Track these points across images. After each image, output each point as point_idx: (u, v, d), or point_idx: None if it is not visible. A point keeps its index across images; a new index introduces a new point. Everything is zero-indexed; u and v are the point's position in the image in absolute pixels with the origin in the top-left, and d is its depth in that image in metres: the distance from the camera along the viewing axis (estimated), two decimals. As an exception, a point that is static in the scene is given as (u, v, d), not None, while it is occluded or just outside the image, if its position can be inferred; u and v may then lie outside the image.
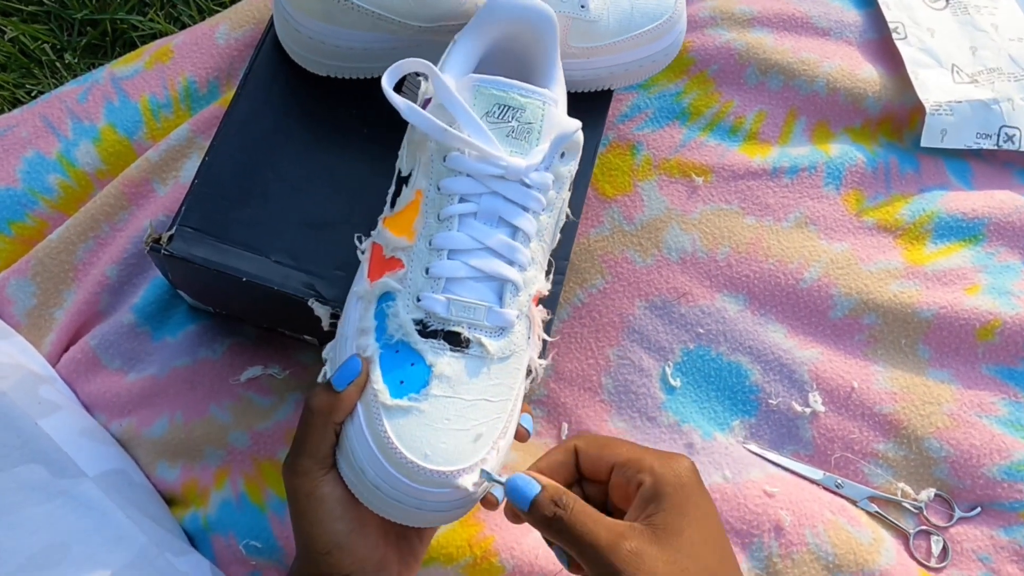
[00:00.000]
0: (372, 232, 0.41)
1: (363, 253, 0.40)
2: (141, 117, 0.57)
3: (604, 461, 0.37)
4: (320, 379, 0.38)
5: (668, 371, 0.55)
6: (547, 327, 0.43)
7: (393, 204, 0.40)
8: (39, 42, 0.66)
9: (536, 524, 0.35)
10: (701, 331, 0.56)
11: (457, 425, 0.35)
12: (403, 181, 0.40)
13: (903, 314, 0.56)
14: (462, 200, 0.37)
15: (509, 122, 0.37)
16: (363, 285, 0.39)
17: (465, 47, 0.41)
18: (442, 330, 0.37)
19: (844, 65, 0.62)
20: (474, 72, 0.41)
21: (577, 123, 0.39)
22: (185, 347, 0.51)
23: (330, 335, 0.41)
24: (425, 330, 0.37)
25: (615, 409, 0.53)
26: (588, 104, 0.52)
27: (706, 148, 0.60)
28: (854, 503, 0.52)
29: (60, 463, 0.44)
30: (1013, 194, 0.60)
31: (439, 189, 0.38)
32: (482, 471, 0.35)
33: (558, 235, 0.42)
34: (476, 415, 0.36)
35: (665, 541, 0.33)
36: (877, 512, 0.52)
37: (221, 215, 0.46)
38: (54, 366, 0.51)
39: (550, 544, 0.37)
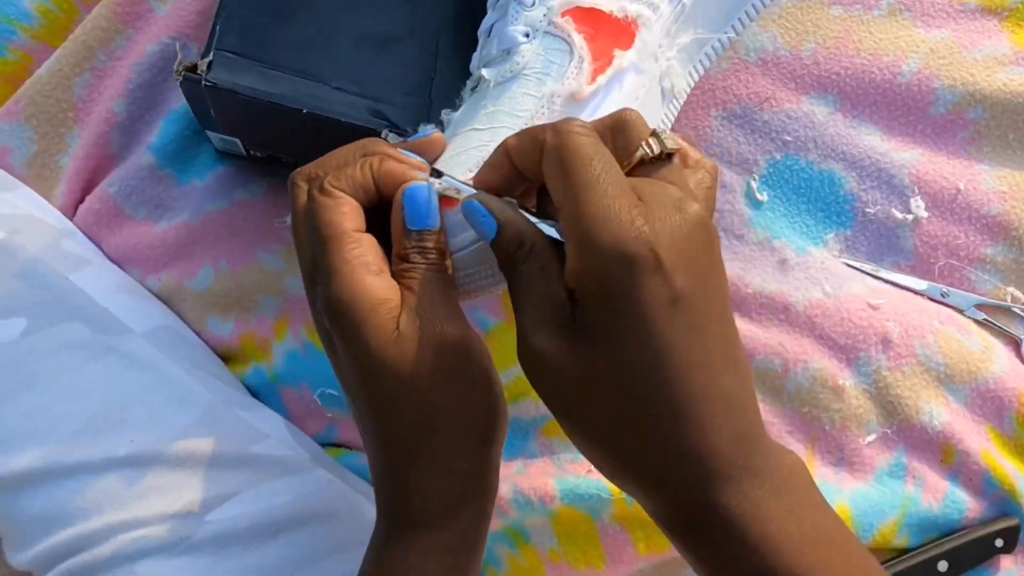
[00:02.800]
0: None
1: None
2: (122, -77, 0.47)
3: (555, 184, 0.27)
4: None
5: (754, 185, 0.50)
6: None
7: None
8: None
9: (499, 255, 0.29)
10: (788, 139, 0.50)
11: (448, 153, 0.33)
12: None
13: (1012, 104, 0.50)
14: None
15: None
16: None
17: None
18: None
19: None
20: None
21: None
22: (218, 190, 0.45)
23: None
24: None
25: (697, 231, 0.48)
26: None
27: (783, -71, 0.51)
28: (961, 312, 0.49)
29: (101, 320, 0.39)
30: None
31: None
32: (432, 169, 0.30)
33: None
34: (463, 143, 0.33)
35: (582, 345, 0.26)
36: (985, 319, 0.48)
37: (263, 35, 0.38)
38: (70, 219, 0.45)
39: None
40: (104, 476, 0.36)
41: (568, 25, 0.35)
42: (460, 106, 0.37)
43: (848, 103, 0.50)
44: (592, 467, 0.43)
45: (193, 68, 0.37)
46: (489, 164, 0.30)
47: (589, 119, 0.30)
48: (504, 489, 0.42)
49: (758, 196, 0.49)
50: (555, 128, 0.27)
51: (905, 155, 0.50)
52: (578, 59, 0.34)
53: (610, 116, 0.29)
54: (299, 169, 0.31)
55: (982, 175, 0.50)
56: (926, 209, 0.49)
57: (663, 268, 0.25)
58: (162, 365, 0.39)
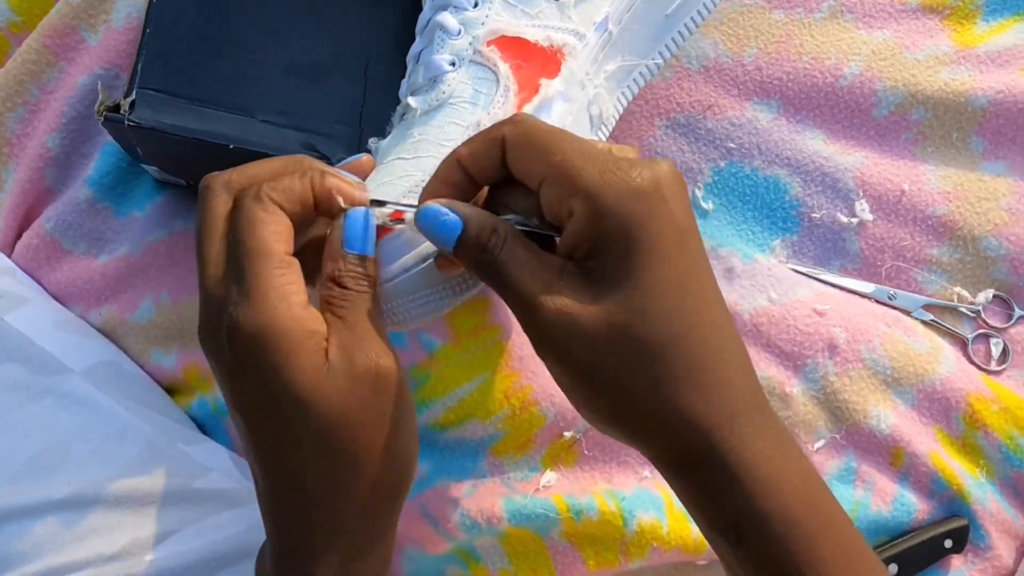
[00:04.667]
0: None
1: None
2: (51, -47, 0.47)
3: (534, 164, 0.27)
4: None
5: (699, 194, 0.50)
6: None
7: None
8: None
9: (464, 266, 0.29)
10: (732, 146, 0.50)
11: (373, 183, 0.32)
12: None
13: (955, 104, 0.50)
14: None
15: None
16: None
17: None
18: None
19: None
20: None
21: None
22: (157, 220, 0.45)
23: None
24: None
25: (645, 242, 0.48)
26: None
27: (723, -66, 0.51)
28: (908, 313, 0.49)
29: (39, 359, 0.39)
30: (1072, -45, 0.53)
31: None
32: (372, 200, 0.29)
33: None
34: (389, 172, 0.33)
35: (604, 294, 0.26)
36: (933, 320, 0.49)
37: (189, 70, 0.38)
38: (9, 257, 0.45)
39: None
40: (43, 519, 0.36)
41: (494, 54, 0.35)
42: (389, 133, 0.36)
43: (791, 108, 0.50)
44: (540, 485, 0.43)
45: (116, 108, 0.36)
46: (439, 178, 0.29)
47: None
48: (453, 513, 0.43)
49: (704, 205, 0.49)
50: (512, 120, 0.28)
51: (849, 158, 0.50)
52: (504, 88, 0.34)
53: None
54: (215, 174, 0.29)
55: (926, 176, 0.50)
56: (871, 212, 0.49)
57: (667, 202, 0.26)
58: (101, 402, 0.39)
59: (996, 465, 0.47)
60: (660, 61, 0.39)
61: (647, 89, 0.50)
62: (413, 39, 0.37)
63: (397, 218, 0.30)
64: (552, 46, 0.35)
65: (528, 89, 0.35)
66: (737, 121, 0.50)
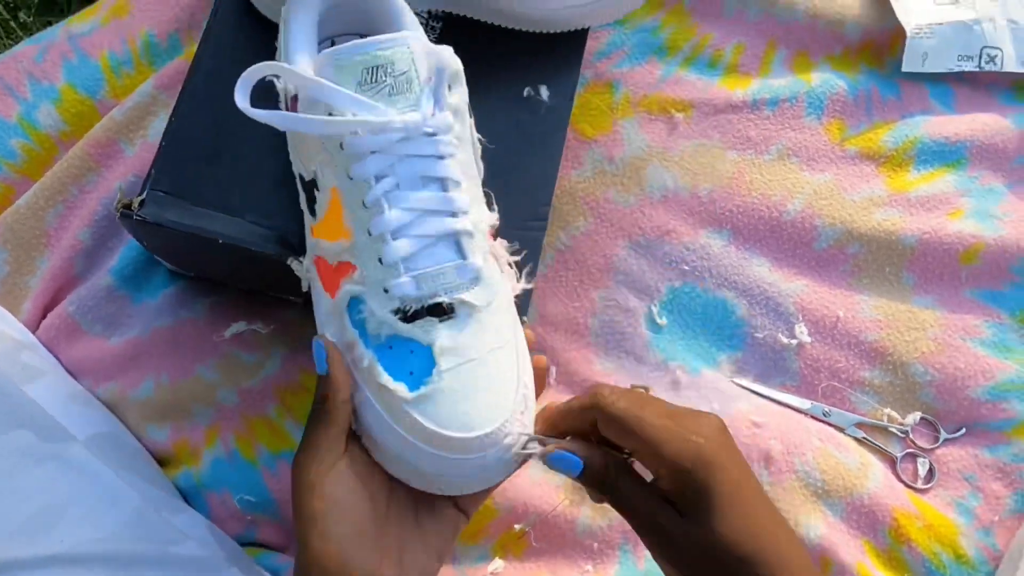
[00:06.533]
0: (306, 251, 0.40)
1: (308, 272, 0.39)
2: (102, 75, 0.55)
3: (623, 440, 0.36)
4: None
5: (654, 310, 0.55)
6: (531, 261, 0.43)
7: (313, 212, 0.38)
8: (-9, 1, 0.63)
9: (585, 485, 0.37)
10: (686, 268, 0.55)
11: (485, 384, 0.36)
12: (312, 185, 0.38)
13: (887, 242, 0.56)
14: (379, 179, 0.36)
15: (385, 81, 0.35)
16: (326, 303, 0.37)
17: (299, 23, 0.38)
18: (423, 307, 0.36)
19: (823, -9, 0.60)
20: (321, 45, 0.39)
21: (448, 49, 0.37)
22: (166, 308, 0.51)
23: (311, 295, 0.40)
24: (407, 315, 0.36)
25: (602, 351, 0.53)
26: (564, 44, 0.51)
27: (685, 83, 0.59)
28: (841, 430, 0.53)
29: (48, 428, 0.44)
30: (996, 116, 0.59)
31: (351, 179, 0.36)
32: (528, 437, 0.36)
33: (481, 164, 0.41)
34: (495, 366, 0.36)
35: (691, 527, 0.34)
36: (864, 438, 0.53)
37: (192, 177, 0.44)
38: (33, 333, 0.51)
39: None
40: (35, 574, 0.40)
41: (494, 247, 0.39)
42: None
43: (740, 237, 0.56)
44: (489, 572, 0.47)
45: (129, 205, 0.43)
46: (539, 429, 0.37)
47: None
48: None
49: (658, 320, 0.55)
50: (598, 403, 0.35)
51: (791, 285, 0.55)
52: (506, 270, 0.40)
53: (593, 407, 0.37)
54: None
55: (861, 304, 0.55)
56: (810, 335, 0.54)
57: (725, 456, 0.35)
58: (98, 470, 0.43)
59: (920, 580, 0.50)
60: None
61: (613, 211, 0.56)
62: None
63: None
64: (496, 223, 0.41)
65: (505, 260, 0.40)
66: (691, 246, 0.56)
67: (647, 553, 0.49)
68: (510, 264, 0.40)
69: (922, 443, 0.53)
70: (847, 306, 0.55)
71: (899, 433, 0.53)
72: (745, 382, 0.54)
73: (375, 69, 0.35)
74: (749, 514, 0.35)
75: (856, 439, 0.53)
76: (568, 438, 0.37)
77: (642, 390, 0.38)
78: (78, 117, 0.54)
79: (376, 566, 0.35)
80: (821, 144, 0.58)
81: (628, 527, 0.46)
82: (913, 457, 0.53)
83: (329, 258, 0.37)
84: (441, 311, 0.36)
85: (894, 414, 0.53)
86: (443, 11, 0.50)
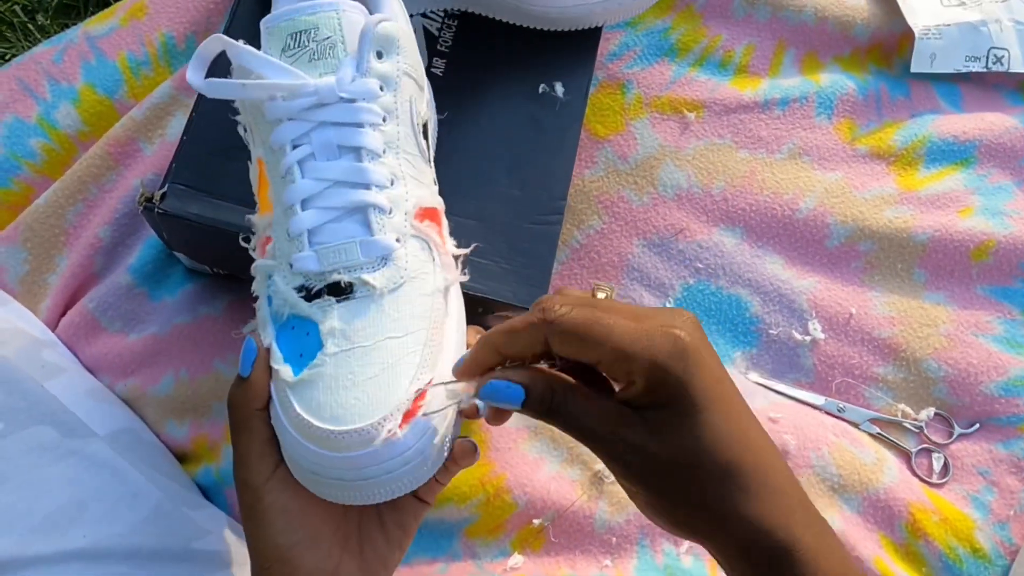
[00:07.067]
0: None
1: (254, 251, 0.37)
2: (120, 76, 0.55)
3: (584, 352, 0.31)
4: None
5: (669, 307, 0.55)
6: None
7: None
8: (9, 3, 0.64)
9: (531, 415, 0.32)
10: (700, 266, 0.56)
11: (365, 374, 0.32)
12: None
13: (898, 239, 0.56)
14: (295, 146, 0.34)
15: (307, 46, 0.34)
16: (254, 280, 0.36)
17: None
18: (324, 286, 0.33)
19: (832, -7, 0.61)
20: None
21: (379, 15, 0.35)
22: (185, 305, 0.51)
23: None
24: (310, 294, 0.34)
25: (618, 347, 0.54)
26: (579, 41, 0.51)
27: (696, 83, 0.59)
28: (856, 426, 0.53)
29: (69, 424, 0.44)
30: (1003, 115, 0.60)
31: (272, 148, 0.35)
32: (439, 384, 0.31)
33: (429, 141, 0.38)
34: (382, 357, 0.32)
35: (668, 435, 0.30)
36: (879, 433, 0.53)
37: (212, 171, 0.45)
38: (53, 331, 0.51)
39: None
40: (58, 569, 0.40)
41: (423, 226, 0.36)
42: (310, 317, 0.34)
43: (753, 235, 0.57)
44: (508, 567, 0.47)
45: (151, 198, 0.43)
46: (474, 360, 0.32)
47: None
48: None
49: (672, 317, 0.55)
50: (550, 313, 0.30)
51: (804, 282, 0.56)
52: (436, 253, 0.36)
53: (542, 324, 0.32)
54: None
55: (873, 301, 0.55)
56: (823, 331, 0.55)
57: (703, 354, 0.30)
58: (119, 466, 0.43)
59: (937, 573, 0.50)
60: None
61: (627, 210, 0.56)
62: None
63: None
64: (439, 205, 0.39)
65: (442, 246, 0.37)
66: (705, 244, 0.56)
67: (666, 547, 0.49)
68: (451, 253, 0.37)
69: (936, 438, 0.53)
70: (860, 303, 0.55)
71: (913, 428, 0.53)
72: (760, 378, 0.54)
73: (298, 34, 0.34)
74: (732, 414, 0.30)
75: (871, 434, 0.53)
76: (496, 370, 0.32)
77: (603, 292, 0.33)
78: (97, 117, 0.55)
79: (335, 565, 0.33)
80: (832, 143, 0.59)
81: (647, 521, 0.47)
82: (928, 452, 0.53)
83: (260, 234, 0.36)
84: (339, 290, 0.33)
85: (908, 410, 0.54)
86: (459, 10, 0.50)
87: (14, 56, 0.62)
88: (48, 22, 0.64)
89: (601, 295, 0.33)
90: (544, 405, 0.31)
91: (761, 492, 0.30)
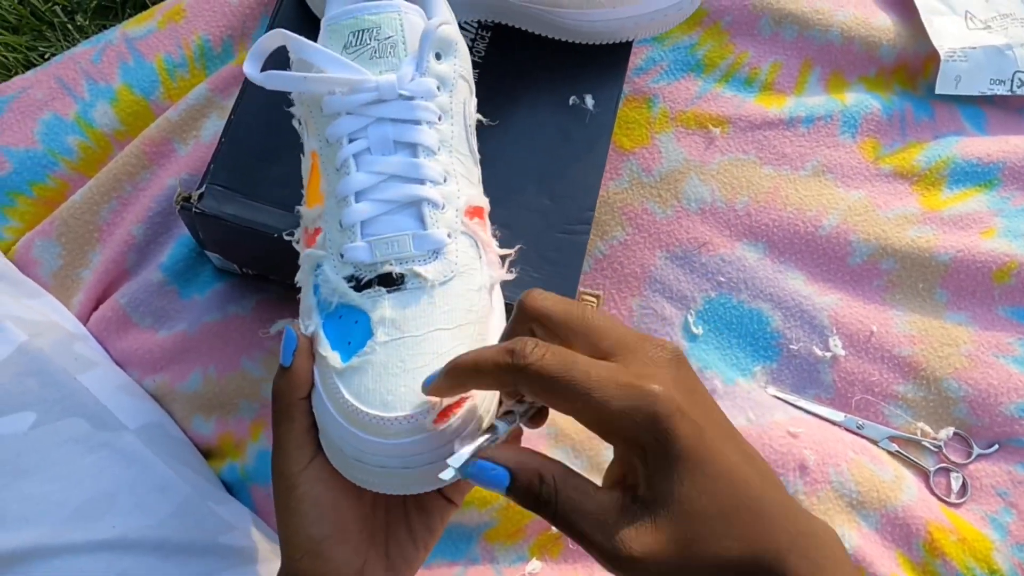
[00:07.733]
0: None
1: (298, 244, 0.38)
2: (157, 77, 0.56)
3: (558, 404, 0.29)
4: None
5: (690, 319, 0.56)
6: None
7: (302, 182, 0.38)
8: (50, 3, 0.65)
9: (515, 503, 0.30)
10: (722, 279, 0.56)
11: (415, 363, 0.32)
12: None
13: (920, 259, 0.56)
14: (351, 140, 0.35)
15: (368, 44, 0.35)
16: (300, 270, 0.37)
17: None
18: (375, 277, 0.34)
19: (858, 14, 0.62)
20: None
21: (439, 18, 0.36)
22: (214, 304, 0.52)
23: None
24: (360, 284, 0.34)
25: (639, 358, 0.54)
26: (609, 55, 0.52)
27: (722, 99, 0.60)
28: (875, 443, 0.53)
29: (100, 417, 0.45)
30: (1027, 139, 0.60)
31: (328, 141, 0.36)
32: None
33: (474, 144, 0.39)
34: (432, 347, 0.33)
35: (662, 514, 0.27)
36: (898, 451, 0.53)
37: (250, 172, 0.46)
38: (84, 325, 0.52)
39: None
40: (87, 558, 0.40)
41: (471, 224, 0.36)
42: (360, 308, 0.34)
43: (776, 250, 0.57)
44: (527, 572, 0.47)
45: (188, 198, 0.44)
46: (436, 389, 0.31)
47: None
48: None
49: (694, 329, 0.55)
50: (520, 360, 0.28)
51: (825, 299, 0.56)
52: (483, 251, 0.36)
53: (523, 312, 0.31)
54: None
55: (894, 319, 0.56)
56: (844, 348, 0.55)
57: (680, 408, 0.27)
58: (148, 459, 0.44)
59: (954, 593, 0.50)
60: None
61: (651, 223, 0.57)
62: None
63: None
64: (486, 205, 0.39)
65: (489, 244, 0.38)
66: (728, 258, 0.57)
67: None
68: (496, 253, 0.38)
69: (955, 458, 0.53)
70: (880, 321, 0.56)
71: (932, 447, 0.53)
72: (780, 393, 0.54)
73: (361, 32, 0.35)
74: (723, 474, 0.27)
75: (889, 452, 0.53)
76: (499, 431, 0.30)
77: (590, 300, 0.30)
78: (133, 117, 0.56)
79: (362, 562, 0.34)
80: (855, 162, 0.59)
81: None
82: (946, 471, 0.53)
83: (308, 226, 0.37)
84: (391, 281, 0.34)
85: (927, 428, 0.54)
86: (493, 21, 0.51)
87: (54, 55, 0.63)
88: (87, 23, 0.65)
89: (589, 301, 0.32)
90: (530, 495, 0.28)
91: (764, 534, 0.28)
